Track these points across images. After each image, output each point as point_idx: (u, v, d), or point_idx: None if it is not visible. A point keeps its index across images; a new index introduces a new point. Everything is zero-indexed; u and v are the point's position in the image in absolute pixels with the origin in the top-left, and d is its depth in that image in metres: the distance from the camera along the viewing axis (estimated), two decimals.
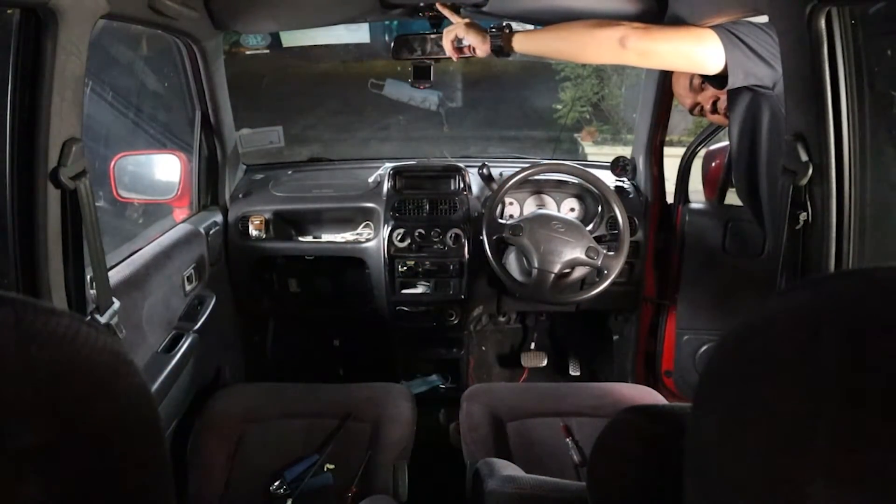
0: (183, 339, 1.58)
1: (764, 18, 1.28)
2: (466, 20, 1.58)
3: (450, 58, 1.68)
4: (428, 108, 5.63)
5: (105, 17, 1.13)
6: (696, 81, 1.57)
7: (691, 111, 1.64)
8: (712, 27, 1.30)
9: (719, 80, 1.31)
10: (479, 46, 1.54)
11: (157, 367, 1.45)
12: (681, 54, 1.31)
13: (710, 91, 1.54)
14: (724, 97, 1.52)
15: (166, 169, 1.90)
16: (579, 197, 2.09)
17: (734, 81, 1.28)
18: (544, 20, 1.53)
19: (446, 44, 1.61)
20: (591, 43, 1.35)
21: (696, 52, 1.28)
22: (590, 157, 5.37)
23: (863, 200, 1.08)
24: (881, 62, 1.15)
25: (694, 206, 2.02)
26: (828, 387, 0.30)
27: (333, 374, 2.50)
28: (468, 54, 1.61)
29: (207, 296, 1.80)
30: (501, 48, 1.49)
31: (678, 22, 1.44)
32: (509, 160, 2.37)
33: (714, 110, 1.57)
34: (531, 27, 1.63)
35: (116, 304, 1.23)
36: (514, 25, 1.53)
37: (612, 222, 1.91)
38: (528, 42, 1.47)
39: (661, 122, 2.00)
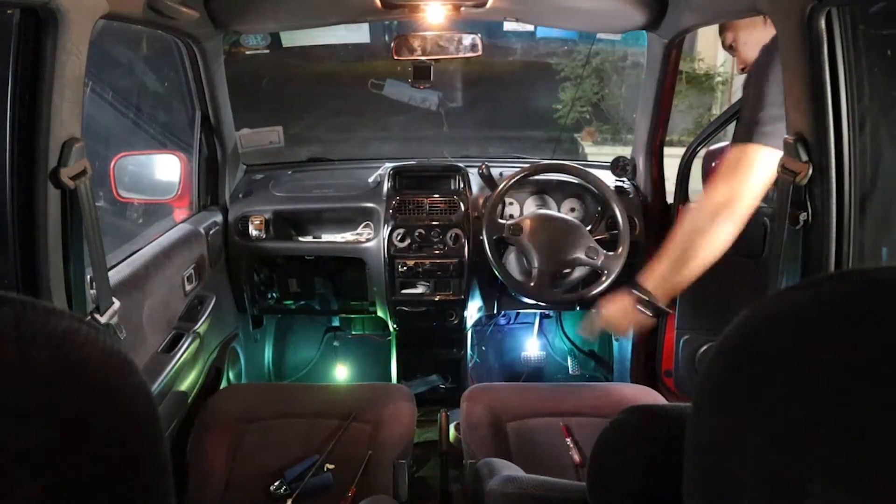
0: (183, 339, 1.58)
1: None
2: (606, 312, 1.47)
3: (450, 58, 1.68)
4: (428, 108, 5.64)
5: (105, 18, 1.13)
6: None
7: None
8: (760, 138, 1.24)
9: None
10: (628, 323, 1.46)
11: (157, 367, 1.45)
12: (762, 186, 1.29)
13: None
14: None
15: (166, 169, 1.90)
16: (579, 197, 2.09)
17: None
18: (544, 20, 1.53)
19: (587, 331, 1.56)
20: (710, 253, 1.35)
21: (761, 176, 1.26)
22: (590, 157, 5.37)
23: (863, 200, 1.08)
24: (881, 62, 1.15)
25: (694, 206, 2.02)
26: (827, 387, 0.30)
27: (333, 374, 2.50)
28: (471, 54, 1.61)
29: (207, 296, 1.80)
30: (655, 313, 1.40)
31: (678, 25, 1.43)
32: (509, 160, 2.37)
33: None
34: (530, 28, 1.62)
35: (116, 304, 1.23)
36: (514, 25, 1.51)
37: (612, 222, 1.91)
38: (666, 289, 1.39)
39: (661, 122, 2.00)
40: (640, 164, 2.07)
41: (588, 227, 1.90)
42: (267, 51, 5.25)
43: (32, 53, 1.01)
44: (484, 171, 2.02)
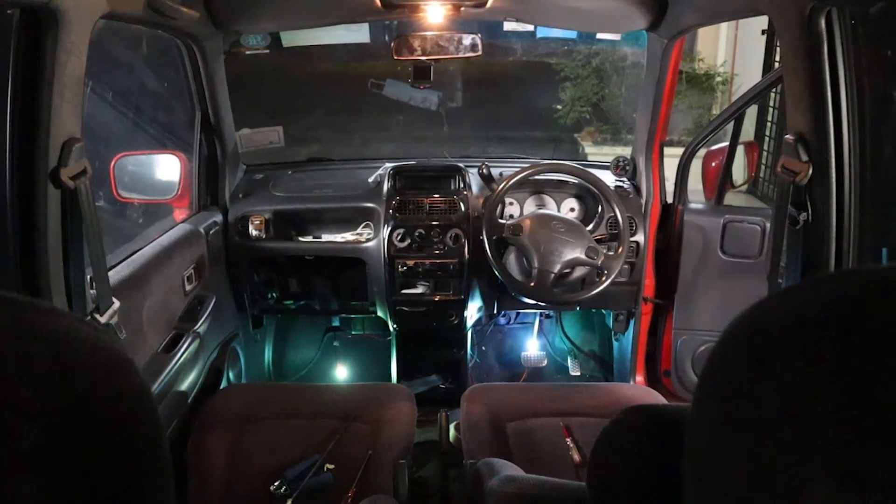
0: (183, 339, 1.58)
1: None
2: None
3: (450, 58, 1.67)
4: (428, 108, 5.63)
5: (105, 17, 1.13)
6: None
7: None
8: None
9: None
10: None
11: (157, 367, 1.45)
12: None
13: None
14: None
15: (166, 169, 1.90)
16: (579, 197, 2.09)
17: None
18: (544, 20, 1.53)
19: None
20: None
21: None
22: (590, 157, 5.37)
23: (863, 200, 1.08)
24: (881, 62, 1.15)
25: (693, 206, 2.02)
26: (827, 386, 0.30)
27: (333, 374, 2.50)
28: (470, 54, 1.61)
29: (207, 296, 1.80)
30: None
31: (678, 25, 1.43)
32: (509, 160, 2.37)
33: None
34: (530, 28, 1.62)
35: (116, 304, 1.23)
36: (514, 25, 1.52)
37: (612, 222, 1.91)
38: None
39: (661, 122, 2.00)
40: (640, 164, 2.07)
41: (588, 227, 1.90)
42: (267, 51, 5.25)
43: (32, 53, 1.01)
44: (484, 171, 2.02)
